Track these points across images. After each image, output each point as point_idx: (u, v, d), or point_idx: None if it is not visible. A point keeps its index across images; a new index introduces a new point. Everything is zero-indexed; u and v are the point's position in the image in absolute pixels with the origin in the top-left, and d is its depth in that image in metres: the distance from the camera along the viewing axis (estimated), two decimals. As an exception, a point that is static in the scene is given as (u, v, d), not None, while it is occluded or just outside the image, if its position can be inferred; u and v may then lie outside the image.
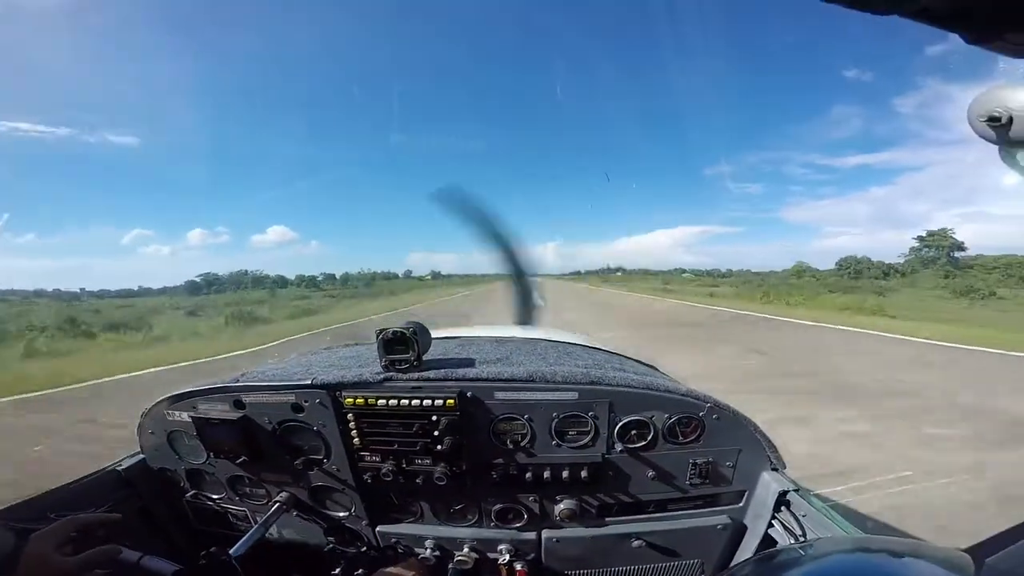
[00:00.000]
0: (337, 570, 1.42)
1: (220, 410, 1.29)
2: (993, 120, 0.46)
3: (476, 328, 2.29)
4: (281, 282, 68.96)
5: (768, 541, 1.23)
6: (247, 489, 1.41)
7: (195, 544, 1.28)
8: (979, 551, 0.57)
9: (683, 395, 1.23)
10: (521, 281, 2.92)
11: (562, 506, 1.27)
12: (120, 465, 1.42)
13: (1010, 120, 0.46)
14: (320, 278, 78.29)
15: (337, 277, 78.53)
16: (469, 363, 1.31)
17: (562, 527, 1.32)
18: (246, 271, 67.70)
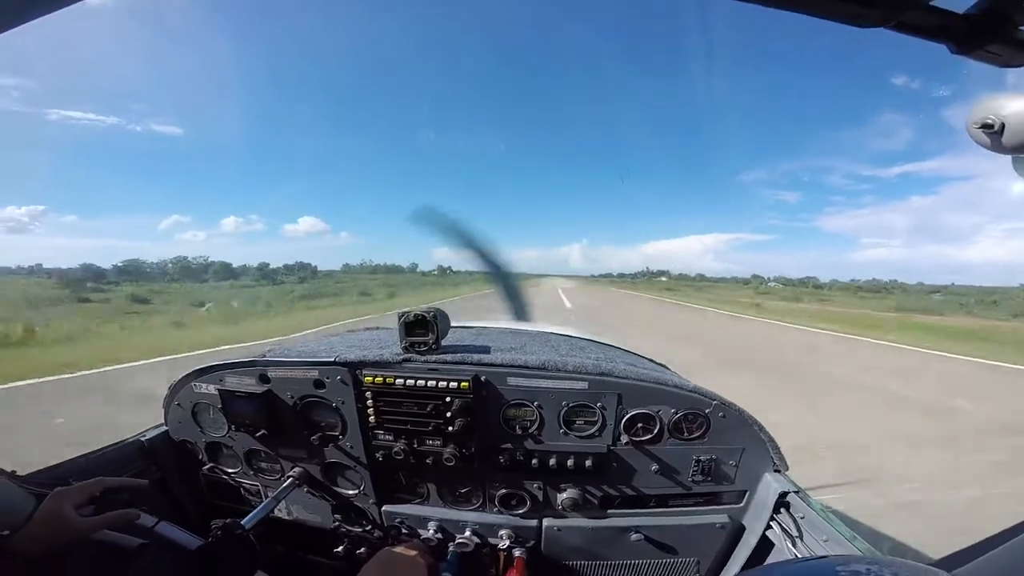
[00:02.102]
0: (341, 547, 1.43)
1: (246, 384, 1.33)
2: (987, 127, 0.48)
3: (492, 320, 2.33)
4: (226, 272, 52.79)
5: (765, 543, 1.23)
6: (262, 464, 1.44)
7: (207, 516, 1.23)
8: (948, 564, 0.58)
9: (690, 391, 1.24)
10: (506, 281, 3.00)
11: (565, 495, 1.29)
12: (144, 436, 1.46)
13: (1002, 127, 0.47)
14: (294, 265, 61.95)
15: (311, 267, 61.84)
16: (484, 350, 1.33)
17: (563, 516, 1.34)
18: (186, 257, 52.25)
